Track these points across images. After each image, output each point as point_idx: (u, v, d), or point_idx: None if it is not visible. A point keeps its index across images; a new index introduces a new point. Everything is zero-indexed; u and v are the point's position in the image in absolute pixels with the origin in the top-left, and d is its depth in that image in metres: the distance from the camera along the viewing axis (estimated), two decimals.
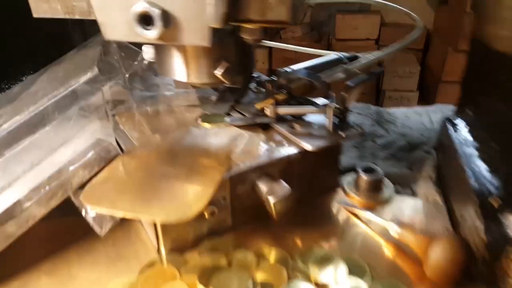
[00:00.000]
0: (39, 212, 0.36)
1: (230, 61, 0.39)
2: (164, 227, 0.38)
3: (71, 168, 0.38)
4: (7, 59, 0.48)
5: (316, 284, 0.34)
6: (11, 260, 0.36)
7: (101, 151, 0.40)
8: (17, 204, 0.35)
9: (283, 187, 0.39)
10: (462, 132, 0.47)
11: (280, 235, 0.41)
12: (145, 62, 0.49)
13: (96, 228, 0.34)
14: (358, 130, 0.45)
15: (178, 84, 0.58)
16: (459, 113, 0.53)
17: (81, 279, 0.36)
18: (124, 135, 0.45)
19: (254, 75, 0.56)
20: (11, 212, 0.35)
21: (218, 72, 0.39)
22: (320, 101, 0.51)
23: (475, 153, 0.42)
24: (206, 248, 0.39)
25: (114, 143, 0.41)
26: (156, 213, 0.34)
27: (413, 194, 0.51)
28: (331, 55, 0.53)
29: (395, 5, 0.55)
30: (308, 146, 0.42)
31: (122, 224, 0.42)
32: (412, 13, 0.53)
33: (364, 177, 0.47)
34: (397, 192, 0.50)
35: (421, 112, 0.76)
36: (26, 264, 0.38)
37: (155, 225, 0.39)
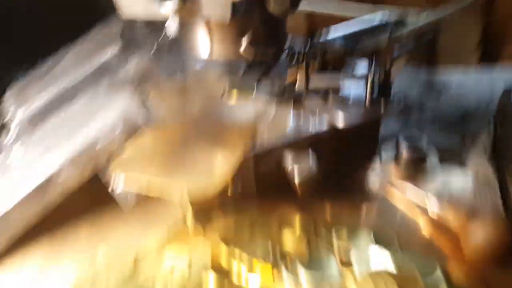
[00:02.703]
0: (74, 182, 0.38)
1: (255, 36, 0.38)
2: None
3: (101, 141, 0.39)
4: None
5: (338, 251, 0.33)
6: (55, 216, 0.40)
7: (129, 125, 0.41)
8: (53, 175, 0.38)
9: (309, 166, 0.37)
10: None
11: (307, 202, 0.40)
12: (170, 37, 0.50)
13: (122, 203, 0.36)
14: (400, 104, 0.42)
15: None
16: None
17: (115, 237, 0.39)
18: (151, 110, 0.46)
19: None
20: (49, 182, 0.37)
21: (241, 48, 0.38)
22: (361, 71, 0.48)
23: None
24: (230, 211, 0.39)
25: (141, 118, 0.42)
26: (178, 189, 0.35)
27: (463, 168, 0.46)
28: (375, 20, 0.48)
29: None
30: (339, 122, 0.40)
31: None
32: None
33: (405, 147, 0.43)
34: (444, 165, 0.46)
35: (481, 76, 0.68)
36: (68, 221, 0.41)
37: None
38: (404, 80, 0.64)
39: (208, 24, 0.38)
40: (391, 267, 0.30)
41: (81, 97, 0.39)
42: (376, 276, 0.30)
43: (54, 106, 0.38)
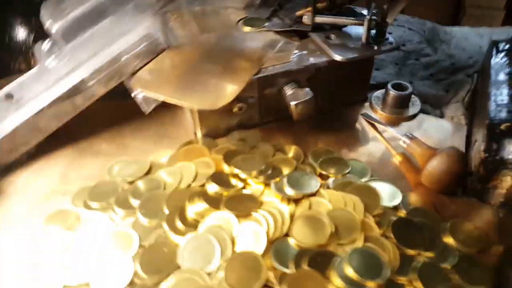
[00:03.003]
0: (100, 90, 0.44)
1: None
2: (201, 116, 0.45)
3: (126, 56, 0.44)
4: None
5: (320, 175, 0.40)
6: (80, 128, 0.46)
7: (151, 44, 0.45)
8: (82, 82, 0.43)
9: (306, 92, 0.43)
10: (503, 56, 0.46)
11: (301, 136, 0.46)
12: None
13: (143, 107, 0.42)
14: (393, 44, 0.46)
15: None
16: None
17: (133, 148, 0.45)
18: (172, 32, 0.50)
19: None
20: (78, 88, 0.43)
21: None
22: (365, 11, 0.51)
23: (506, 79, 0.42)
24: (234, 137, 0.45)
25: (162, 39, 0.46)
26: (191, 101, 0.40)
27: (442, 115, 0.52)
28: None
29: None
30: (336, 56, 0.44)
31: (169, 109, 0.49)
32: None
33: (391, 92, 0.49)
34: (426, 112, 0.52)
35: (484, 34, 0.72)
36: (90, 133, 0.47)
37: (193, 113, 0.45)
38: (408, 28, 0.66)
39: None
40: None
41: (109, 16, 0.42)
42: (344, 189, 0.37)
43: (86, 22, 0.42)
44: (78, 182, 0.41)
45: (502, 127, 0.36)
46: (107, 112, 0.48)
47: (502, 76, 0.42)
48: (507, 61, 0.44)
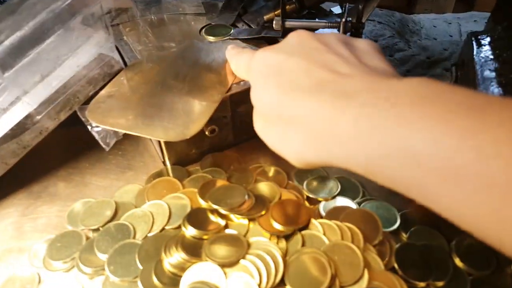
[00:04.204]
0: (50, 124, 0.38)
1: None
2: (168, 142, 0.40)
3: (77, 83, 0.38)
4: None
5: (308, 199, 0.36)
6: (30, 168, 0.40)
7: (104, 66, 0.40)
8: (29, 117, 0.37)
9: None
10: (486, 50, 0.44)
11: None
12: None
13: (102, 143, 0.36)
14: None
15: None
16: (489, 29, 0.49)
17: (94, 185, 0.40)
18: (127, 47, 0.44)
19: None
20: (24, 125, 0.37)
21: None
22: (337, 11, 0.48)
23: (494, 76, 0.40)
24: (208, 162, 0.41)
25: (117, 57, 0.41)
26: (157, 132, 0.35)
27: None
28: None
29: None
30: None
31: (131, 137, 0.44)
32: None
33: None
34: None
35: (451, 21, 0.70)
36: (44, 172, 0.41)
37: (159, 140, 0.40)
38: (378, 22, 0.64)
39: None
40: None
41: (54, 35, 0.36)
42: (338, 216, 0.34)
43: (27, 45, 0.36)
44: (35, 235, 0.35)
45: None
46: (60, 144, 0.42)
47: (488, 73, 0.40)
48: (492, 56, 0.41)
